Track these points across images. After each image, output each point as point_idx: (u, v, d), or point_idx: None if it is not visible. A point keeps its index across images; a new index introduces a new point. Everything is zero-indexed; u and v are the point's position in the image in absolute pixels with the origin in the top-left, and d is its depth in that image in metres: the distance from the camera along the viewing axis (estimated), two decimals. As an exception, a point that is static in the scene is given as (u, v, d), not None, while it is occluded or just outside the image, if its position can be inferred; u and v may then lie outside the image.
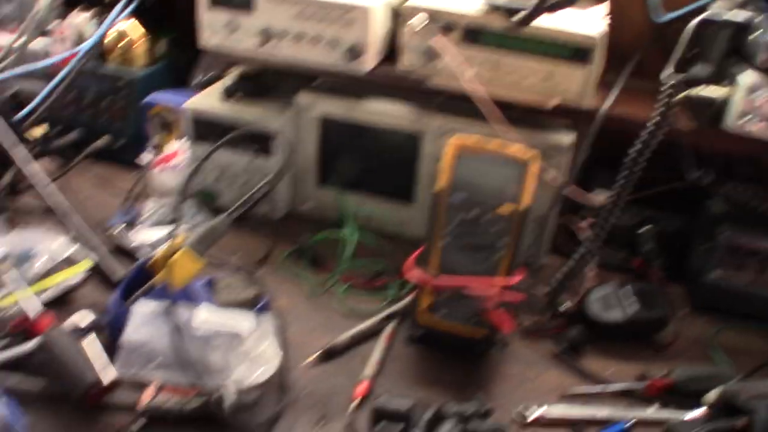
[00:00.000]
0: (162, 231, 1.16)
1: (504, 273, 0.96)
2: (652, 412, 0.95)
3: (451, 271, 0.96)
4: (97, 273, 1.10)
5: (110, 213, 1.23)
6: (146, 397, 0.88)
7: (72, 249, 1.09)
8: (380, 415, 0.89)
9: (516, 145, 0.99)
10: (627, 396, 0.98)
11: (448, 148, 0.97)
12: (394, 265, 1.15)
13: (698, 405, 0.94)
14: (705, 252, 1.16)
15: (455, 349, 1.02)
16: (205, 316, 0.92)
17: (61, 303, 1.04)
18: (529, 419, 0.93)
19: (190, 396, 0.88)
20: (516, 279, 0.96)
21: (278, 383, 0.93)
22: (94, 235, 1.12)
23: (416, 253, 1.00)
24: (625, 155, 1.01)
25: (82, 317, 0.96)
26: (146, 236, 1.15)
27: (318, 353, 0.99)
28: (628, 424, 0.92)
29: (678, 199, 1.20)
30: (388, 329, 1.04)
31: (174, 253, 0.93)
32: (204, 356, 0.89)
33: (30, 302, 0.97)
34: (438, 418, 0.89)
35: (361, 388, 0.93)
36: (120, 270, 1.08)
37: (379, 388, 0.95)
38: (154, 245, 1.12)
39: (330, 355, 1.00)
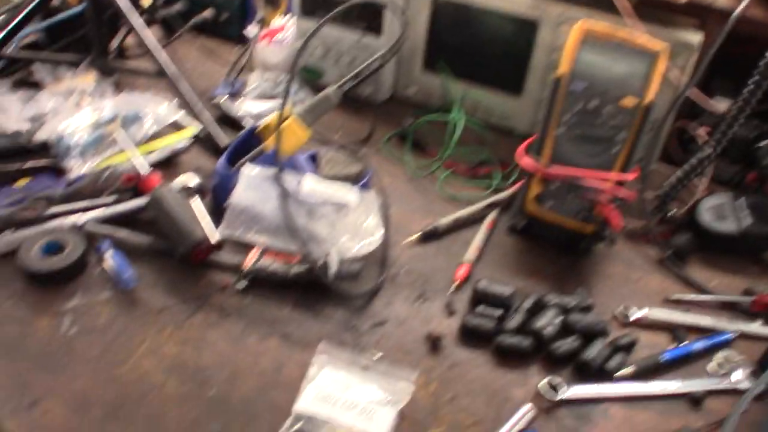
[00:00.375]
0: (266, 104, 1.14)
1: (619, 168, 0.90)
2: (756, 327, 0.91)
3: (563, 162, 0.91)
4: (201, 140, 1.09)
5: (214, 83, 1.21)
6: (250, 259, 0.88)
7: (178, 114, 1.08)
8: (480, 299, 0.87)
9: (645, 36, 0.91)
10: (730, 309, 0.93)
11: (573, 31, 0.90)
12: (498, 156, 1.12)
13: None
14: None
15: (558, 242, 0.98)
16: (313, 185, 0.90)
17: (167, 166, 1.04)
18: (631, 319, 0.89)
19: (292, 262, 0.87)
20: (632, 176, 0.91)
21: (379, 258, 0.92)
22: (200, 102, 1.10)
23: (528, 141, 0.96)
24: (752, 64, 0.93)
25: (188, 179, 0.96)
26: (250, 107, 1.13)
27: (420, 233, 0.97)
28: (732, 336, 0.89)
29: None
30: (490, 217, 1.01)
31: (284, 120, 0.91)
32: (309, 223, 0.88)
33: (139, 161, 0.97)
34: (538, 307, 0.87)
35: (462, 271, 0.91)
36: (225, 137, 1.06)
37: (478, 273, 0.93)
38: (259, 116, 1.10)
39: (431, 236, 0.98)
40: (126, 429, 0.71)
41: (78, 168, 0.96)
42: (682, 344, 0.87)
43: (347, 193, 0.91)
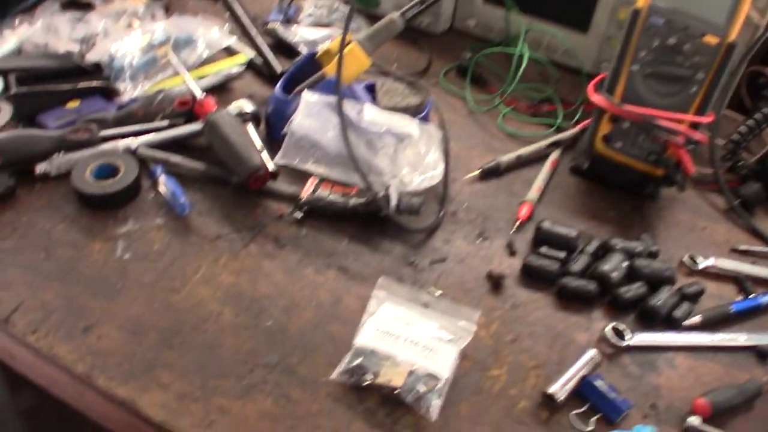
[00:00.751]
0: (321, 31, 1.07)
1: (695, 110, 0.83)
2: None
3: (636, 101, 0.84)
4: (254, 66, 1.02)
5: (267, 9, 1.14)
6: (306, 189, 0.83)
7: (231, 39, 1.02)
8: (543, 239, 0.82)
9: (733, -31, 0.83)
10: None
11: (656, -39, 0.82)
12: (561, 95, 1.05)
13: None
14: None
15: (623, 185, 0.92)
16: (374, 115, 0.84)
17: (220, 92, 0.98)
18: (699, 267, 0.84)
19: (349, 193, 0.82)
20: (708, 118, 0.84)
21: (439, 193, 0.86)
22: (253, 27, 1.03)
23: (598, 77, 0.89)
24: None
25: (243, 105, 0.90)
26: (305, 34, 1.06)
27: (480, 169, 0.91)
28: (801, 290, 0.83)
29: None
30: (553, 156, 0.94)
31: (346, 46, 0.84)
32: (369, 154, 0.83)
33: (193, 85, 0.91)
34: (603, 251, 0.82)
35: (524, 210, 0.86)
36: (280, 63, 1.00)
37: (539, 213, 0.87)
38: (314, 43, 1.03)
39: (492, 173, 0.92)
40: (182, 356, 0.67)
41: (130, 90, 0.91)
42: (750, 296, 0.81)
43: (408, 125, 0.85)
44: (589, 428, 0.67)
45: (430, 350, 0.68)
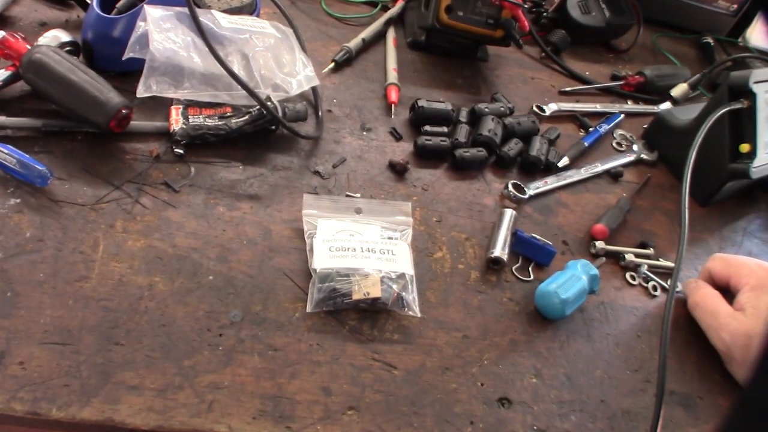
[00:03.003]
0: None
1: (516, -29, 0.86)
2: (629, 106, 0.97)
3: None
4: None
5: None
6: (175, 119, 0.69)
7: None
8: (423, 118, 0.81)
9: None
10: (606, 93, 0.99)
11: None
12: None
13: (663, 101, 0.99)
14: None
15: (459, 53, 0.93)
16: (230, 20, 0.71)
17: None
18: (548, 114, 0.90)
19: (226, 113, 0.71)
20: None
21: (308, 94, 0.79)
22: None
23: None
24: None
25: (57, 37, 0.70)
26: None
27: (334, 60, 0.85)
28: (621, 116, 0.94)
29: None
30: (391, 35, 0.91)
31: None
32: (242, 64, 0.71)
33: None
34: (475, 117, 0.83)
35: (394, 94, 0.83)
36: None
37: (401, 94, 0.84)
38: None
39: (346, 62, 0.86)
40: (136, 348, 0.54)
41: None
42: (591, 129, 0.90)
43: (264, 26, 0.74)
44: (531, 277, 0.70)
45: (387, 252, 0.65)
